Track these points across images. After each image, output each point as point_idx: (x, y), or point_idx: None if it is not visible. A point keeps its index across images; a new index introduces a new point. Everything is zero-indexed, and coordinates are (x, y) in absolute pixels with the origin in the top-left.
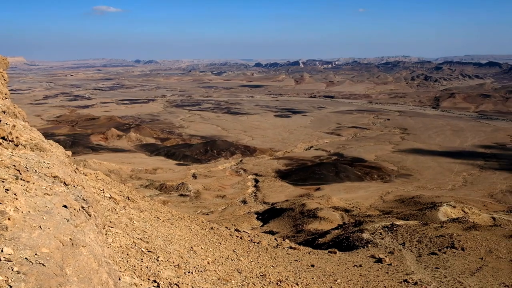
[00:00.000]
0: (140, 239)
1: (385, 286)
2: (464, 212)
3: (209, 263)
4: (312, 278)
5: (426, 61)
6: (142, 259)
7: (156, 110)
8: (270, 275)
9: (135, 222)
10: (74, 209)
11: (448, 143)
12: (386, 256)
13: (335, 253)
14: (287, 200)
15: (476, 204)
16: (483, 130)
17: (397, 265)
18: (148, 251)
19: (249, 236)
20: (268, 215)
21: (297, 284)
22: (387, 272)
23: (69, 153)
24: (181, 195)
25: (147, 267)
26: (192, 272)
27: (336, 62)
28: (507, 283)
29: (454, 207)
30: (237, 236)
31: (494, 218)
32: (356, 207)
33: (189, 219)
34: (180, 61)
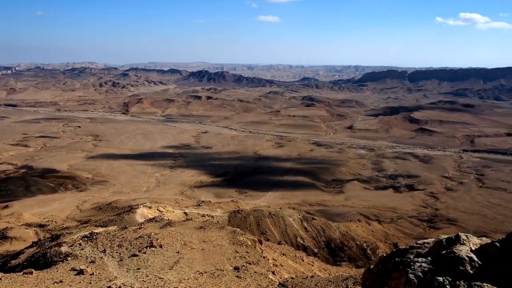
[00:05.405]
0: None
1: None
2: (160, 211)
3: None
4: None
5: (113, 68)
6: None
7: None
8: None
9: None
10: None
11: (140, 146)
12: (87, 267)
13: (31, 273)
14: None
15: (170, 202)
16: (171, 133)
17: (99, 273)
18: None
19: None
20: None
21: None
22: (90, 283)
23: None
24: None
25: None
26: None
27: (17, 68)
28: (201, 271)
29: (150, 207)
30: None
31: (186, 213)
32: (52, 221)
33: None
34: None
